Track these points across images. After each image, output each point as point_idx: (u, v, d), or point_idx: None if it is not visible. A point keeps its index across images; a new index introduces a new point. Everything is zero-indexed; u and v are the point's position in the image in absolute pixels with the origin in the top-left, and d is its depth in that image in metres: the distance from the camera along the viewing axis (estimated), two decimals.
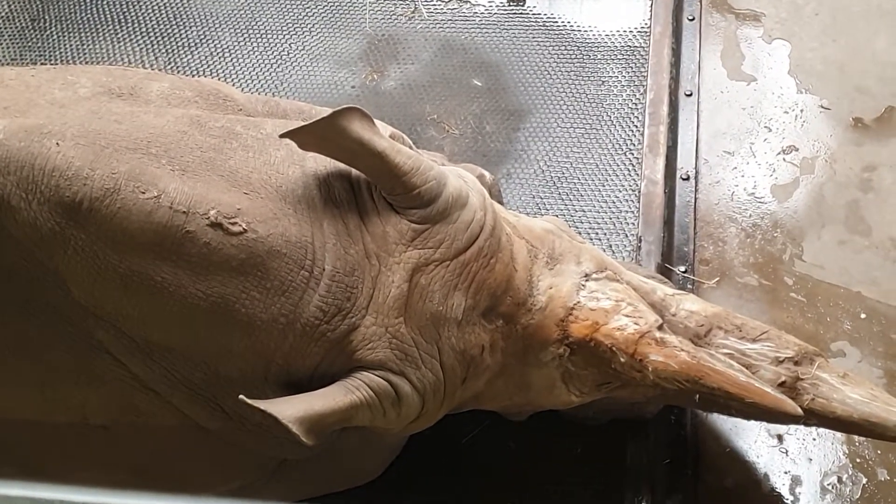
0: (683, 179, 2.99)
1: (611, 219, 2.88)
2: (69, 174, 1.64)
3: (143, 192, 1.64)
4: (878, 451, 2.41)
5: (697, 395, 1.96)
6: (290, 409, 1.59)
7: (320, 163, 1.84)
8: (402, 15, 3.56)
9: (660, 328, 1.95)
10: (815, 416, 2.00)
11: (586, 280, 2.02)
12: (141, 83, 2.00)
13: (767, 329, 2.08)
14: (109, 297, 1.70)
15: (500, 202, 2.79)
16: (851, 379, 2.02)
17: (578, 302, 1.97)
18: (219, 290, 1.68)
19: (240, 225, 1.68)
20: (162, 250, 1.65)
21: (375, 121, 1.79)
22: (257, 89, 3.34)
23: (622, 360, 1.93)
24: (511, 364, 1.99)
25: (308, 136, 1.74)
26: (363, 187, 1.84)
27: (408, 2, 3.59)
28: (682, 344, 1.94)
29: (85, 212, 1.63)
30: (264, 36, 3.53)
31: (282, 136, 1.74)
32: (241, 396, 1.57)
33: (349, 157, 1.78)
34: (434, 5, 3.57)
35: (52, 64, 3.49)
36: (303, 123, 1.74)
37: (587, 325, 1.95)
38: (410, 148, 2.27)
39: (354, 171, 1.84)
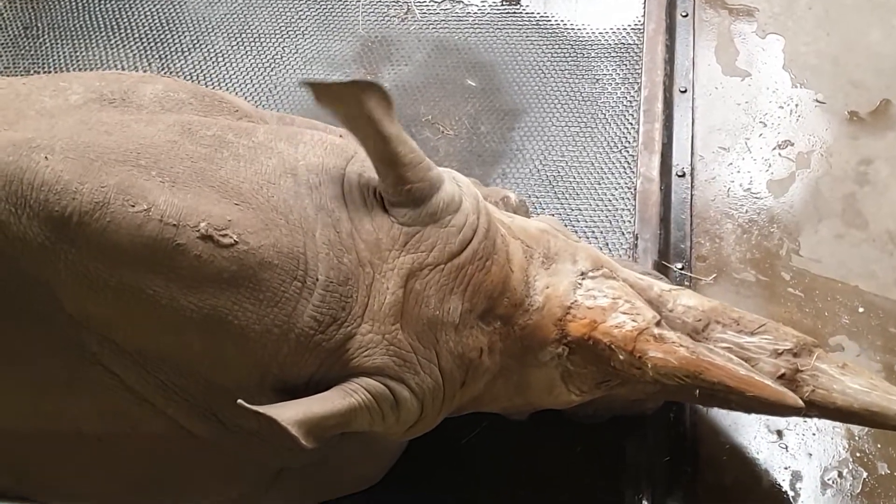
0: (679, 176, 2.98)
1: (607, 217, 2.88)
2: (58, 188, 1.63)
3: (133, 206, 1.63)
4: (878, 446, 2.41)
5: (697, 391, 1.96)
6: (288, 412, 1.58)
7: (312, 171, 1.83)
8: (394, 16, 3.55)
9: (658, 324, 1.94)
10: (815, 408, 1.98)
11: (583, 278, 2.01)
12: (134, 87, 1.99)
13: (765, 322, 2.06)
14: (101, 311, 1.69)
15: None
16: (851, 369, 2.01)
17: (576, 301, 1.96)
18: (211, 302, 1.67)
19: (230, 237, 1.66)
20: (153, 263, 1.64)
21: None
22: (251, 93, 3.33)
23: (621, 357, 1.93)
24: (510, 365, 1.98)
25: (326, 91, 1.70)
26: (355, 195, 1.82)
27: (400, 3, 3.58)
28: (680, 339, 1.93)
29: (75, 226, 1.62)
30: (257, 40, 3.53)
31: (302, 82, 1.73)
32: (238, 401, 1.55)
33: (355, 128, 1.75)
34: (427, 6, 3.57)
35: (45, 72, 3.49)
36: (328, 81, 1.71)
37: (585, 323, 1.95)
38: None
39: (346, 178, 1.83)
